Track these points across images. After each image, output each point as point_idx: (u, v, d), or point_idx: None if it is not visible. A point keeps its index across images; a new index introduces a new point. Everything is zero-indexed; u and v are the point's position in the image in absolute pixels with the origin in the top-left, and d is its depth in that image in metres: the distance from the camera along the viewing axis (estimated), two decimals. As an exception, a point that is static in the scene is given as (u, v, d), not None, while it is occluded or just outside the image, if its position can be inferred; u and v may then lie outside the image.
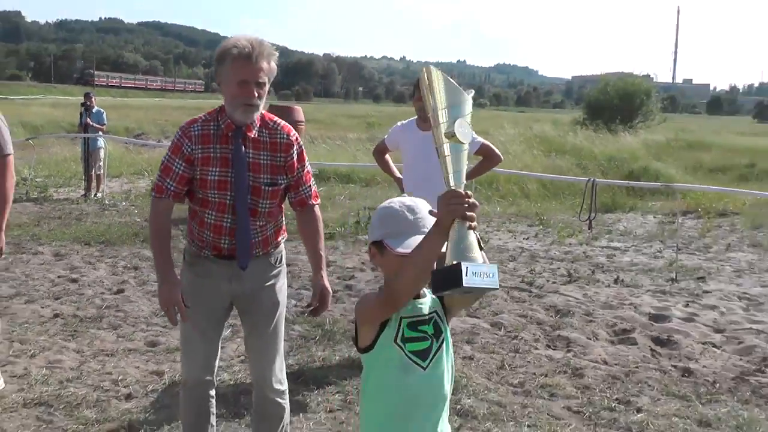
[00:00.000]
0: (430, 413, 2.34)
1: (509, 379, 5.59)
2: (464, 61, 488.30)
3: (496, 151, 6.15)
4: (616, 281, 8.93)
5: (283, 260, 3.71)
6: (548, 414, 4.95)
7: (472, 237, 2.13)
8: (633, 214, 14.66)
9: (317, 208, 3.68)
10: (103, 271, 8.49)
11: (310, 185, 3.64)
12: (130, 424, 4.54)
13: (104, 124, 15.53)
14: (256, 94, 3.29)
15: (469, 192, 2.18)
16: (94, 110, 15.24)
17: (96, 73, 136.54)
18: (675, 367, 6.00)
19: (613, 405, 5.15)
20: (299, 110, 13.23)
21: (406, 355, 2.31)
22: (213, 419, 3.85)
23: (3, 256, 4.68)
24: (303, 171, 3.58)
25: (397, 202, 2.40)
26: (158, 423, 4.57)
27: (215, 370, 3.80)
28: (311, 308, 3.54)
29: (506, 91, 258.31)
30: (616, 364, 6.01)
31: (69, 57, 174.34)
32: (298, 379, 5.37)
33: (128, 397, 5.00)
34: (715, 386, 5.58)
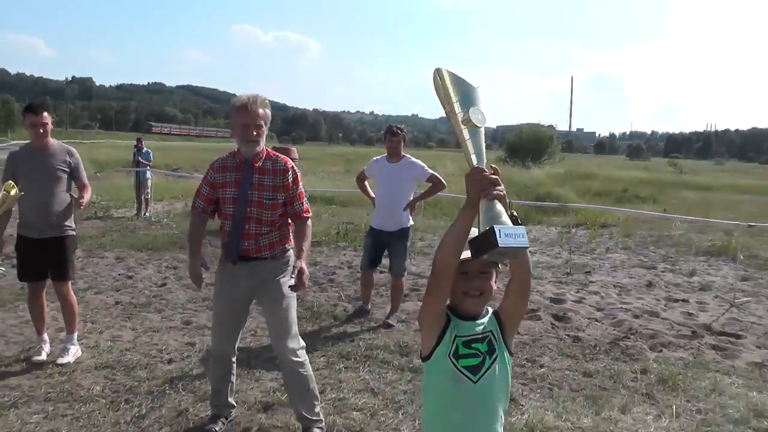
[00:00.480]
0: (482, 424, 2.07)
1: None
2: (416, 114, 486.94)
3: (442, 180, 6.30)
4: (526, 274, 8.99)
5: (290, 263, 3.68)
6: (476, 370, 5.01)
7: (499, 206, 1.84)
8: (540, 227, 14.69)
9: (309, 221, 3.67)
10: (151, 269, 8.44)
11: (302, 202, 3.65)
12: (171, 380, 4.56)
13: (151, 160, 15.41)
14: (255, 133, 3.46)
15: (494, 166, 1.92)
16: (143, 150, 15.17)
17: (153, 124, 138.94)
18: (568, 335, 6.08)
19: (523, 363, 5.21)
20: (294, 150, 13.09)
21: (457, 368, 2.03)
22: (233, 378, 3.93)
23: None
24: (297, 191, 3.61)
25: None
26: (192, 380, 4.58)
27: (236, 344, 3.87)
28: (293, 285, 3.51)
29: (449, 136, 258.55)
30: (526, 334, 6.06)
31: (126, 111, 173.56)
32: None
33: (170, 361, 5.00)
34: (596, 349, 5.67)
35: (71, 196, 4.92)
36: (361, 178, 6.65)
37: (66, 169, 4.85)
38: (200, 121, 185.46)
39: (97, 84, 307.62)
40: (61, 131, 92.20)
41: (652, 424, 4.08)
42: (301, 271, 3.43)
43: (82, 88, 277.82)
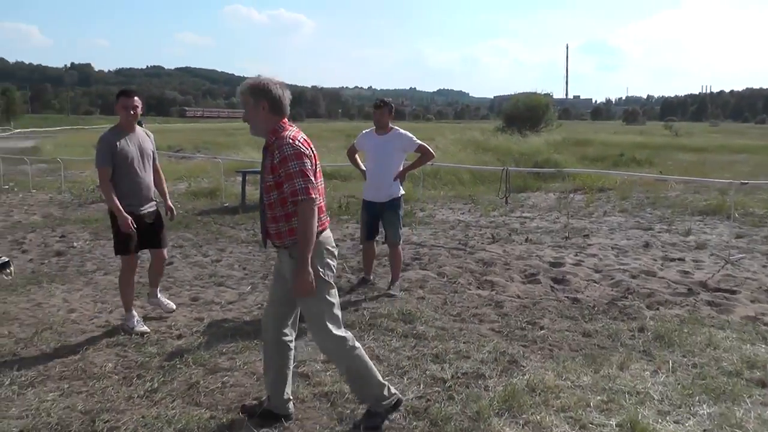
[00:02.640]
0: None
1: (450, 311, 5.68)
2: (414, 88, 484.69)
3: (430, 149, 6.34)
4: (526, 240, 9.01)
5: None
6: (478, 334, 5.04)
7: None
8: (539, 193, 14.71)
9: (303, 206, 3.15)
10: (158, 249, 8.46)
11: (291, 184, 3.16)
12: (182, 354, 4.59)
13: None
14: (243, 119, 3.34)
15: None
16: (145, 134, 15.08)
17: (186, 108, 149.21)
18: (567, 297, 6.12)
19: (523, 325, 5.25)
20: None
21: None
22: (287, 368, 3.64)
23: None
24: (285, 172, 3.17)
25: None
26: (201, 353, 4.61)
27: (286, 328, 3.58)
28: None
29: (446, 108, 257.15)
30: (526, 298, 6.12)
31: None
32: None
33: (179, 336, 5.05)
34: (594, 309, 5.72)
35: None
36: (351, 152, 6.67)
37: (152, 150, 5.34)
38: (200, 102, 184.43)
39: (96, 70, 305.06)
40: (62, 117, 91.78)
41: (649, 379, 4.13)
42: (294, 274, 3.19)
43: (82, 74, 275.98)
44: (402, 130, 6.31)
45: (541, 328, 5.20)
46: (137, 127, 5.22)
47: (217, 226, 10.27)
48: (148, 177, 5.24)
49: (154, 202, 5.37)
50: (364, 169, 6.46)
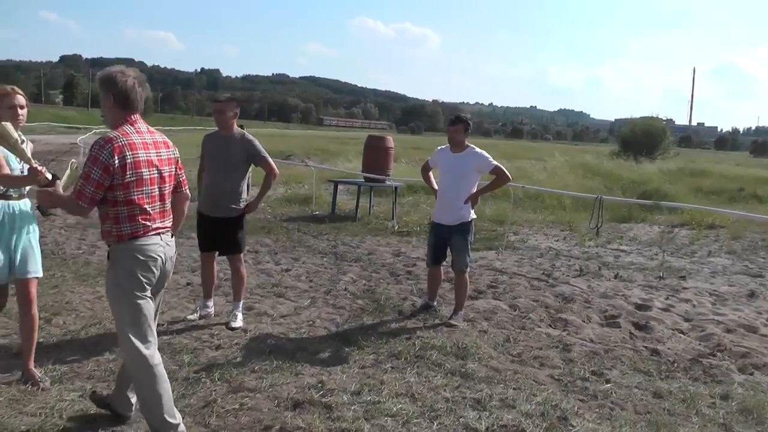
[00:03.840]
0: None
1: (510, 350, 5.15)
2: (535, 106, 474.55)
3: (506, 172, 5.85)
4: (616, 276, 8.25)
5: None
6: (533, 380, 4.50)
7: None
8: (643, 225, 13.66)
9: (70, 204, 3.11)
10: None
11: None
12: (211, 367, 4.35)
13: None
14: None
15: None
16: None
17: (324, 117, 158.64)
18: (646, 347, 5.42)
19: (587, 376, 4.65)
20: (389, 139, 12.95)
21: None
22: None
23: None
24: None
25: None
26: (230, 367, 4.37)
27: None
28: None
29: (565, 129, 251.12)
30: (599, 343, 5.48)
31: (251, 101, 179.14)
32: (346, 339, 5.13)
33: (217, 347, 4.83)
34: (674, 365, 5.00)
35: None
36: (425, 168, 6.30)
37: (244, 155, 5.31)
38: (320, 111, 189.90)
39: (224, 75, 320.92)
40: (187, 118, 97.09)
41: (723, 462, 3.45)
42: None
43: (210, 78, 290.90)
44: (478, 149, 5.84)
45: (607, 380, 4.58)
46: (233, 131, 5.36)
47: (300, 234, 10.17)
48: (221, 180, 5.29)
49: (224, 206, 5.34)
50: (437, 188, 6.06)
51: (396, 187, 12.36)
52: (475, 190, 5.86)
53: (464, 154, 5.81)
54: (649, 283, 7.95)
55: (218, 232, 5.36)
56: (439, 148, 6.11)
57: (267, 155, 5.40)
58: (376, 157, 12.52)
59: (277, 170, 5.44)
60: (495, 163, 5.81)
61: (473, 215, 5.92)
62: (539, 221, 13.22)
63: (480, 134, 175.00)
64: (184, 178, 3.49)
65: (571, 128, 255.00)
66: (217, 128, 5.39)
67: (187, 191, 3.54)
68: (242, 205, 5.37)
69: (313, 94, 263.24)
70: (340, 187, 13.32)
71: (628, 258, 9.71)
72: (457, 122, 5.79)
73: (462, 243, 5.85)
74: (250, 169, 5.46)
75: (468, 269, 6.03)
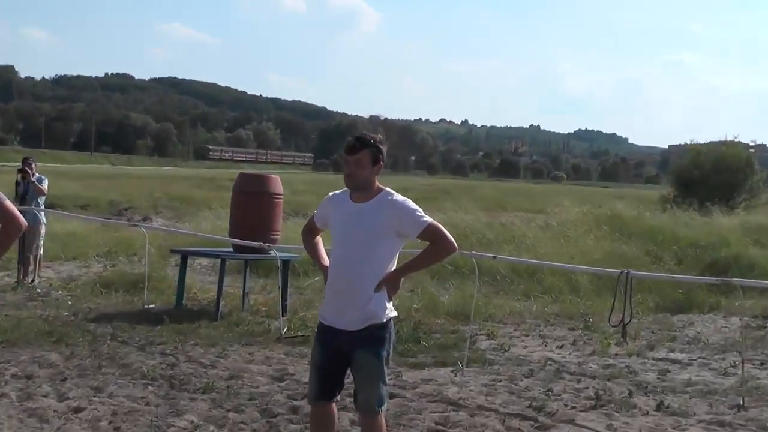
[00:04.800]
0: None
1: None
2: (538, 125, 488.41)
3: (449, 237, 5.54)
4: (659, 407, 8.18)
5: None
6: None
7: None
8: (712, 316, 13.99)
9: None
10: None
11: None
12: None
13: (45, 191, 15.42)
14: None
15: None
16: (35, 177, 15.10)
17: (211, 147, 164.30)
18: None
19: None
20: (275, 180, 12.94)
21: None
22: None
23: None
24: None
25: None
26: None
27: None
28: None
29: (588, 161, 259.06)
30: None
31: (65, 117, 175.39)
32: None
33: None
34: None
35: None
36: (309, 230, 6.03)
37: None
38: (184, 134, 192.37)
39: (22, 76, 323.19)
40: None
41: None
42: None
43: None
44: (398, 196, 5.55)
45: None
46: None
47: (116, 344, 10.05)
48: None
49: None
50: (326, 264, 5.79)
51: (286, 261, 12.41)
52: (393, 268, 5.60)
53: (374, 204, 5.52)
54: (719, 418, 7.93)
55: None
56: (330, 194, 5.84)
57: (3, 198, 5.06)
58: (252, 210, 12.59)
59: (22, 219, 5.06)
60: (428, 219, 5.51)
61: (391, 311, 5.65)
62: (533, 314, 13.55)
63: (448, 171, 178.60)
64: None
65: (598, 161, 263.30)
66: None
67: None
68: None
69: (173, 107, 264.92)
70: (195, 261, 13.23)
71: (683, 374, 9.86)
72: (358, 147, 5.51)
73: (372, 362, 5.53)
74: None
75: (384, 408, 5.72)
